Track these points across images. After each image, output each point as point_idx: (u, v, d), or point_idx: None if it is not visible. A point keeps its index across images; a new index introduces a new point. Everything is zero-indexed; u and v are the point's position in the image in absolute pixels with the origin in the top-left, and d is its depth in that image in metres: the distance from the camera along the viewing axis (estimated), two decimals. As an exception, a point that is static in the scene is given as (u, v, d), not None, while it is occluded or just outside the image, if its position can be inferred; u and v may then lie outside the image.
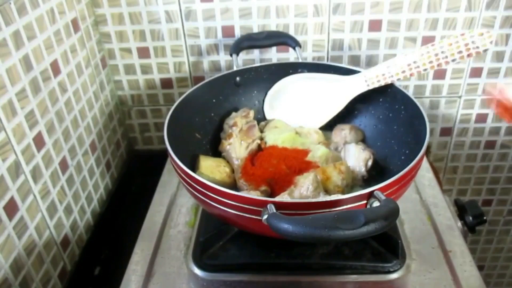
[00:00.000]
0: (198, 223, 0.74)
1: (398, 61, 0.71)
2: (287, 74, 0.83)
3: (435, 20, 0.91)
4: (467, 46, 0.67)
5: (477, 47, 0.67)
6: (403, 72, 0.71)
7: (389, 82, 0.73)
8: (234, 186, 0.72)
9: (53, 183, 0.71)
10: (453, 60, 0.68)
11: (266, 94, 0.84)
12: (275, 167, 0.70)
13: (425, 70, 0.70)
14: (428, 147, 1.07)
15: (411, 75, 0.71)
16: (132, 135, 1.08)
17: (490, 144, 1.08)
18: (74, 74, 0.80)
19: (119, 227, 0.92)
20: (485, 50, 0.67)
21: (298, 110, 0.82)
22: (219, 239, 0.68)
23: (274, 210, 0.49)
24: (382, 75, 0.73)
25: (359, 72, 0.76)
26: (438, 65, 0.69)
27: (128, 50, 0.96)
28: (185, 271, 0.66)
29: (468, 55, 0.67)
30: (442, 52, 0.68)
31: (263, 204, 0.51)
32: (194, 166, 0.72)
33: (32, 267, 0.64)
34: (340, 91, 0.78)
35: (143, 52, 0.96)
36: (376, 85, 0.74)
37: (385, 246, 0.66)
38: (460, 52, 0.68)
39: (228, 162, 0.75)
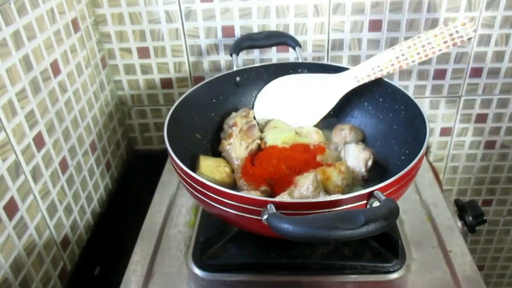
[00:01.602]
0: (198, 223, 0.74)
1: (387, 54, 0.72)
2: (287, 74, 0.83)
3: (435, 20, 0.91)
4: (452, 36, 0.69)
5: (461, 36, 0.69)
6: (392, 65, 0.72)
7: (379, 76, 0.74)
8: (234, 186, 0.72)
9: (53, 183, 0.71)
10: (440, 50, 0.70)
11: (255, 97, 0.84)
12: (275, 167, 0.70)
13: (413, 62, 0.71)
14: (428, 147, 1.07)
15: (400, 67, 0.72)
16: (132, 135, 1.08)
17: (490, 144, 1.08)
18: (74, 74, 0.80)
19: (119, 227, 0.92)
20: (469, 39, 0.69)
21: (289, 111, 0.82)
22: (219, 239, 0.68)
23: (274, 210, 0.49)
24: (372, 69, 0.73)
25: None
26: (426, 55, 0.70)
27: (128, 50, 0.96)
28: (185, 271, 0.66)
29: (453, 44, 0.69)
30: (429, 43, 0.69)
31: (263, 204, 0.51)
32: (194, 166, 0.72)
33: (32, 267, 0.64)
34: (330, 89, 0.78)
35: (143, 52, 0.96)
36: (366, 80, 0.75)
37: (385, 246, 0.66)
38: (445, 42, 0.69)
39: (228, 162, 0.75)
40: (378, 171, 0.73)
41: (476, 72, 0.98)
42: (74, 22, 0.81)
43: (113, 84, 1.00)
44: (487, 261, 1.30)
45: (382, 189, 0.53)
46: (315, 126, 0.81)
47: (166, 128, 0.66)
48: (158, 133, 1.07)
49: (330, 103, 0.79)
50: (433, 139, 1.07)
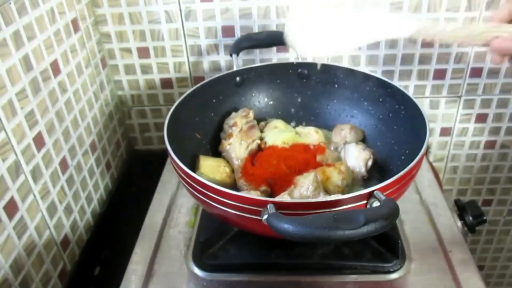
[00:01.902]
0: (198, 223, 0.74)
1: (457, 29, 0.61)
2: (287, 74, 0.83)
3: (435, 20, 0.91)
4: None
5: None
6: (455, 40, 0.65)
7: (436, 40, 0.66)
8: (234, 186, 0.72)
9: (53, 183, 0.71)
10: None
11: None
12: (275, 167, 0.70)
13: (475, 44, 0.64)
14: (428, 147, 1.07)
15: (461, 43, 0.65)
16: (132, 135, 1.08)
17: (490, 144, 1.08)
18: (74, 74, 0.80)
19: (119, 227, 0.92)
20: None
21: (327, 32, 0.67)
22: (219, 239, 0.68)
23: (274, 210, 0.49)
24: (434, 35, 0.62)
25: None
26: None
27: (128, 50, 0.96)
28: (185, 271, 0.66)
29: None
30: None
31: (263, 204, 0.51)
32: (194, 166, 0.72)
33: (32, 267, 0.64)
34: (379, 25, 0.65)
35: (143, 52, 0.96)
36: (420, 37, 0.64)
37: (385, 246, 0.66)
38: None
39: (228, 162, 0.75)
40: (378, 171, 0.73)
41: (476, 72, 0.98)
42: (74, 22, 0.81)
43: (113, 84, 1.00)
44: (487, 261, 1.30)
45: (382, 189, 0.53)
46: (314, 126, 0.81)
47: (166, 128, 0.66)
48: (158, 133, 1.07)
49: (371, 38, 0.67)
50: (433, 139, 1.07)
